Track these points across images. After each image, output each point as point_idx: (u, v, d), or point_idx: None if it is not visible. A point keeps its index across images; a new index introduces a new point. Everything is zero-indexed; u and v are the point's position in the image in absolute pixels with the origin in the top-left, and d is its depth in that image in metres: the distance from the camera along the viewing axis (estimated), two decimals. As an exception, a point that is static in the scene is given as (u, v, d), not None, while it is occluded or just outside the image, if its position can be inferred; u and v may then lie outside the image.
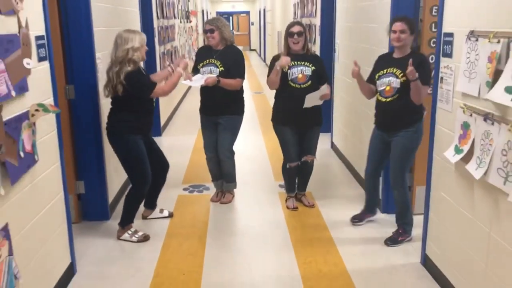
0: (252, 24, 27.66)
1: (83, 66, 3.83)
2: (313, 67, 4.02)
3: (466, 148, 2.63)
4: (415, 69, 3.20)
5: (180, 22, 10.41)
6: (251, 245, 3.77)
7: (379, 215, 4.15)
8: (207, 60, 4.19)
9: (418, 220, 3.64)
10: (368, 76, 3.73)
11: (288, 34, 4.03)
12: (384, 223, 4.02)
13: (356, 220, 4.01)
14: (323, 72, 4.11)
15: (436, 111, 3.10)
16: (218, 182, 4.60)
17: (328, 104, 6.63)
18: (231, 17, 28.38)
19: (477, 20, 2.55)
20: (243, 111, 4.41)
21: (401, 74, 3.39)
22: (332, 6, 6.20)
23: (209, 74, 4.13)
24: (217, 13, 27.02)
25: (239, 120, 4.36)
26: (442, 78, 2.99)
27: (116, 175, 4.44)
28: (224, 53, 4.19)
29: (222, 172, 4.53)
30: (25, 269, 2.52)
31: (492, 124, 2.37)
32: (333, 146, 6.39)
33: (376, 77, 3.54)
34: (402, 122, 3.48)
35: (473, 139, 2.56)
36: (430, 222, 3.27)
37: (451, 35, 2.85)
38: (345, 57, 5.57)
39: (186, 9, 11.84)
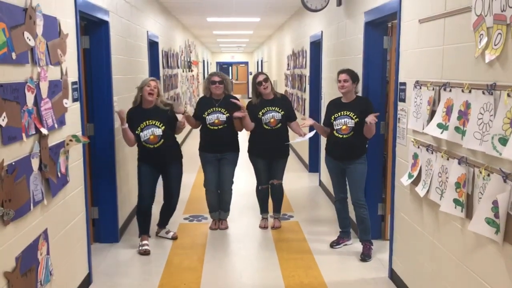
0: (250, 73, 28.51)
1: (102, 108, 4.50)
2: (282, 112, 4.83)
3: (415, 173, 3.26)
4: (365, 110, 4.11)
5: (183, 71, 11.23)
6: (243, 262, 4.36)
7: (355, 240, 4.68)
8: (212, 109, 4.84)
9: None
10: (324, 119, 4.54)
11: (256, 83, 4.86)
12: (358, 245, 4.55)
13: (334, 243, 4.60)
14: (290, 112, 4.96)
15: (396, 146, 3.76)
16: (216, 213, 5.20)
17: (316, 146, 7.33)
18: (230, 67, 29.51)
19: (419, 73, 3.26)
20: (239, 148, 5.08)
21: (355, 116, 4.17)
22: (319, 60, 7.00)
23: (216, 120, 4.80)
24: (217, 63, 28.04)
25: (238, 156, 5.05)
26: (399, 118, 3.67)
27: (125, 203, 5.03)
28: (225, 101, 4.88)
29: (222, 201, 5.14)
30: (54, 270, 3.08)
31: (432, 153, 3.01)
32: (320, 183, 7.02)
33: (332, 118, 4.30)
34: (356, 154, 4.25)
35: (420, 166, 3.20)
36: (395, 240, 3.85)
37: (404, 84, 3.55)
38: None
39: (188, 59, 12.71)
